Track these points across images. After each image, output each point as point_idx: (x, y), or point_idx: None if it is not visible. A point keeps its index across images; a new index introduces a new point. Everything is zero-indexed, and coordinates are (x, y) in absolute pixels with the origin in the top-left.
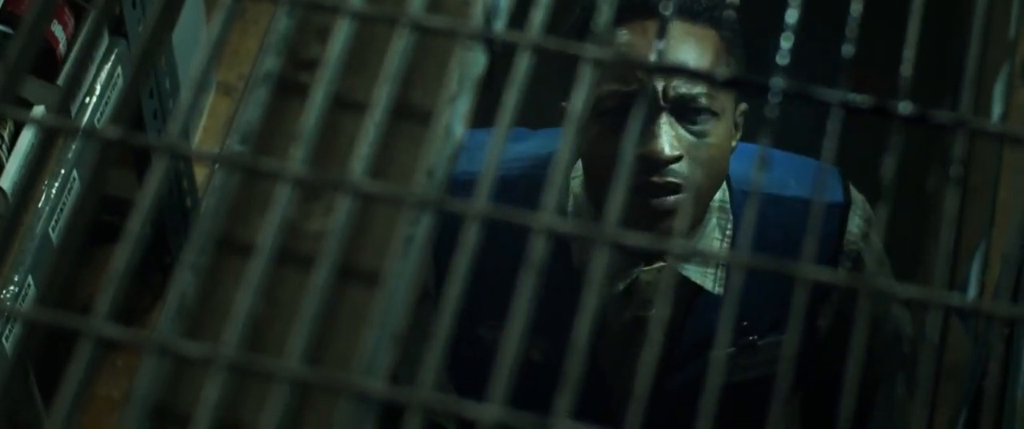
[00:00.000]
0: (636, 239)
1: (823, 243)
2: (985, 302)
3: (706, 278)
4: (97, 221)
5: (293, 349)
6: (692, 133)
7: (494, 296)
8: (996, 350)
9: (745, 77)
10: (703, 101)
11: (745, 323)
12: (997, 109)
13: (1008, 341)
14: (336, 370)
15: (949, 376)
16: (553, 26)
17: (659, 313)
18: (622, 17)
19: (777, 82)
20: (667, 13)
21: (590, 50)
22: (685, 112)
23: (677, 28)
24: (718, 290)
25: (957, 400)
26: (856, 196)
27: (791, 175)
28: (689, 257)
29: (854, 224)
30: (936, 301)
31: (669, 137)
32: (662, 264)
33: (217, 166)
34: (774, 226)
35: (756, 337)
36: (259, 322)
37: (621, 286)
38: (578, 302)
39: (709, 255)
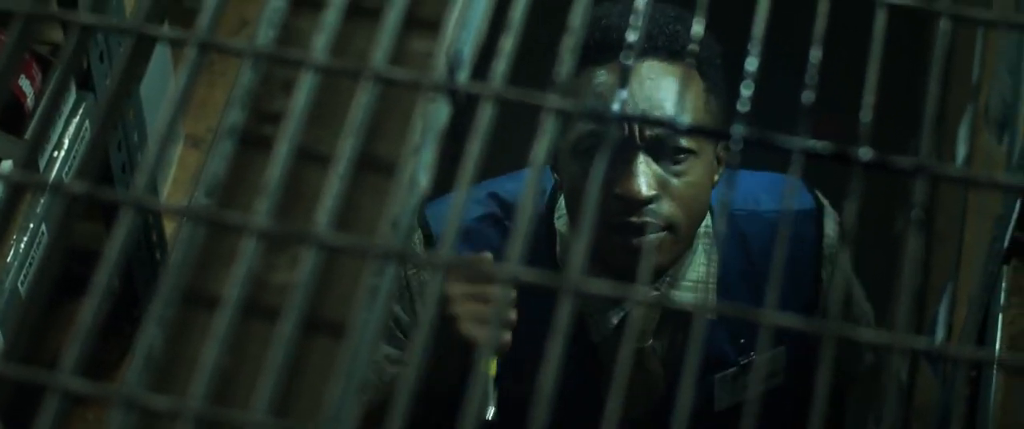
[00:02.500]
0: (600, 287)
1: (804, 248)
2: (950, 345)
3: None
4: (68, 274)
5: (260, 401)
6: (670, 171)
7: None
8: (960, 392)
9: (705, 127)
10: (681, 140)
11: (742, 341)
12: (961, 152)
13: (974, 383)
14: (303, 421)
15: (918, 418)
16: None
17: (624, 354)
18: (602, 57)
19: (738, 129)
20: (628, 62)
21: (553, 100)
22: (662, 151)
23: (656, 67)
24: (712, 314)
25: None
26: (823, 200)
27: (761, 190)
28: (656, 303)
29: (829, 227)
30: (900, 345)
31: (646, 177)
32: (655, 293)
33: (184, 219)
34: (755, 240)
35: (755, 354)
36: (226, 374)
37: (615, 321)
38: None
39: (670, 304)
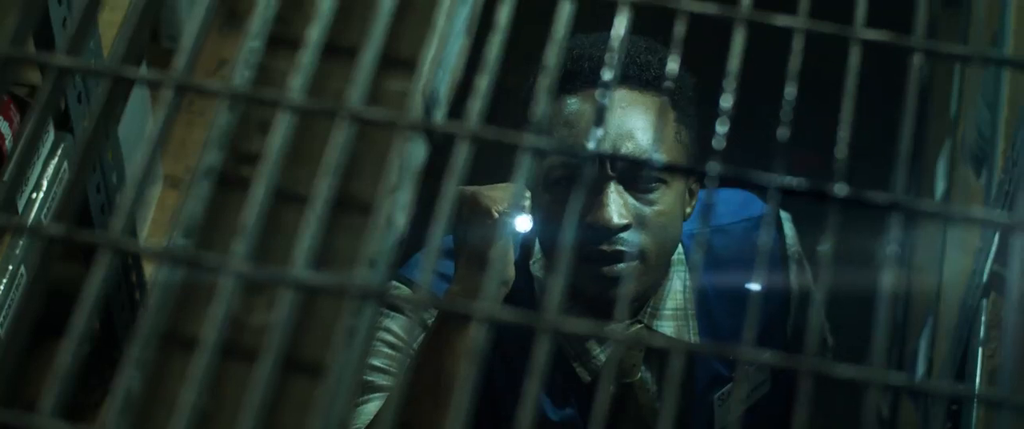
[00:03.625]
0: (577, 326)
1: (770, 254)
2: (926, 380)
3: (683, 331)
4: (47, 316)
5: None
6: (641, 201)
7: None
8: (939, 427)
9: (682, 164)
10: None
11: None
12: (940, 187)
13: (955, 418)
14: None
15: None
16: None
17: (602, 395)
18: (573, 85)
19: (714, 167)
20: (604, 101)
21: (529, 139)
22: (634, 180)
23: (627, 97)
24: (696, 338)
25: None
26: None
27: (721, 203)
28: (632, 341)
29: (787, 228)
30: (877, 380)
31: (617, 206)
32: (639, 325)
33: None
34: (724, 253)
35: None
36: (204, 415)
37: (603, 358)
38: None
39: (646, 343)
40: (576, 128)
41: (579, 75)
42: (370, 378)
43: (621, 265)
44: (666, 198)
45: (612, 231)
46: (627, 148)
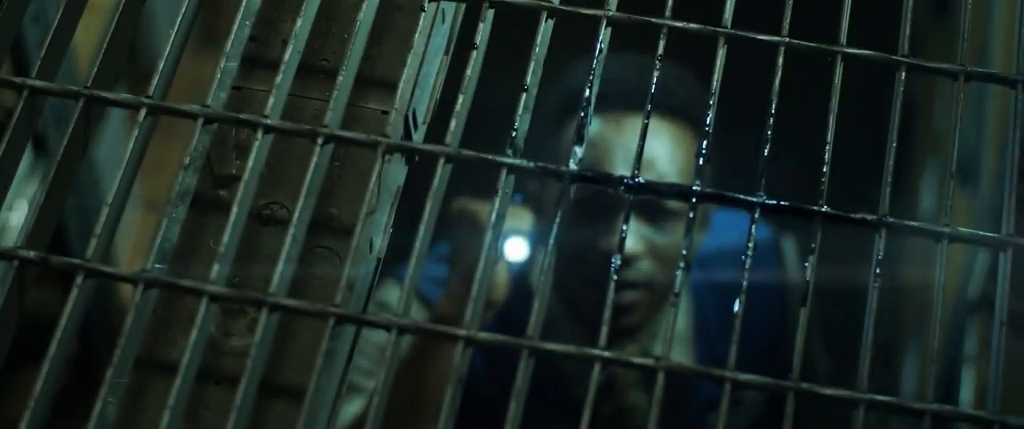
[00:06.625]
0: (559, 348)
1: (767, 277)
2: (913, 399)
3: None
4: (29, 343)
5: None
6: (656, 232)
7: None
8: None
9: (658, 183)
10: (670, 202)
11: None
12: (926, 204)
13: None
14: None
15: None
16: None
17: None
18: (599, 107)
19: (696, 185)
20: (586, 117)
21: (507, 158)
22: (651, 212)
23: (652, 123)
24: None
25: None
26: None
27: (722, 224)
28: (618, 362)
29: (787, 249)
30: (862, 399)
31: (632, 235)
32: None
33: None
34: (727, 275)
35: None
36: None
37: (602, 378)
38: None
39: (631, 364)
40: (598, 150)
41: (607, 97)
42: (354, 379)
43: (629, 294)
44: (680, 228)
45: (624, 260)
46: (647, 176)
